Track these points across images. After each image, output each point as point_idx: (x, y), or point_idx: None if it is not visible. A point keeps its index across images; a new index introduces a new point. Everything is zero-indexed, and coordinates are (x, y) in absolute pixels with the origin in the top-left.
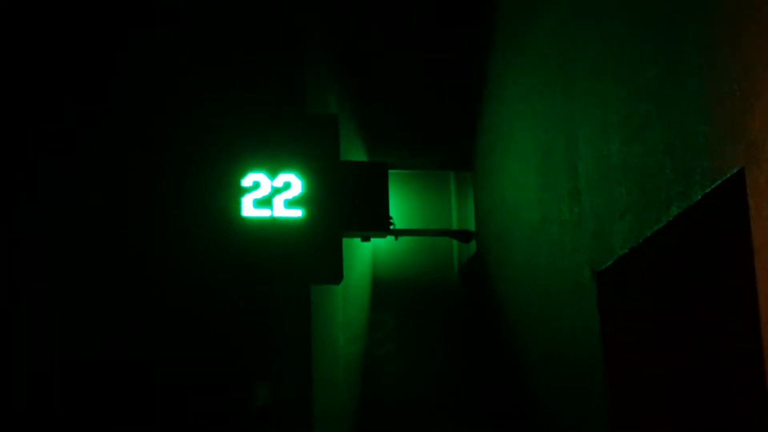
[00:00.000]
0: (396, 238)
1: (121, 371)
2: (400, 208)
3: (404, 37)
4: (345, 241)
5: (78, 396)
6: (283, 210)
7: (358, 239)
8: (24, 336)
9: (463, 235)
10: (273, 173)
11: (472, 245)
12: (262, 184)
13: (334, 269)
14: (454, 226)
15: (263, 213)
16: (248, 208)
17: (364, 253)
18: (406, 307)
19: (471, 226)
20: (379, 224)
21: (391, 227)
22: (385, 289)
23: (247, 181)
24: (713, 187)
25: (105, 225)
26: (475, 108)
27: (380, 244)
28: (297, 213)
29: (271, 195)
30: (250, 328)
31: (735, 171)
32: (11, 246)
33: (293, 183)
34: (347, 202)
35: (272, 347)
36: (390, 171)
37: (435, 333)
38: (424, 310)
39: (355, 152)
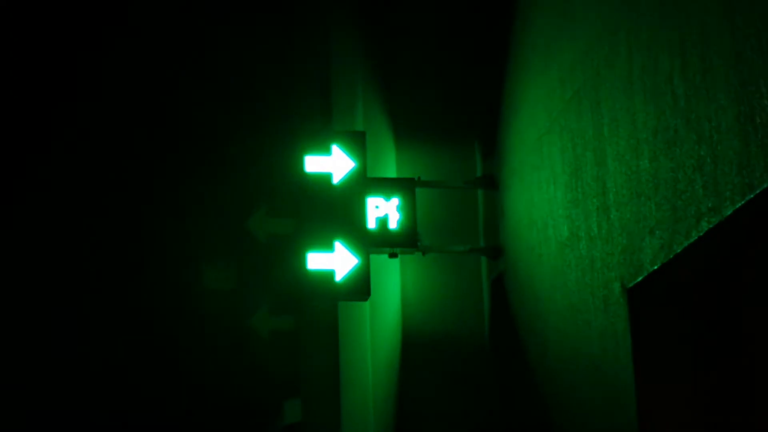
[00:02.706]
0: (424, 255)
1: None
2: (428, 224)
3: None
4: (372, 258)
5: (108, 398)
6: None
7: (386, 256)
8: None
9: (491, 252)
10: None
11: (501, 262)
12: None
13: (361, 285)
14: (482, 243)
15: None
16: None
17: (391, 272)
18: (434, 327)
19: (499, 242)
20: (407, 240)
21: (419, 244)
22: (414, 307)
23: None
24: (744, 202)
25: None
26: (501, 120)
27: (408, 261)
28: None
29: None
30: (278, 347)
31: (766, 186)
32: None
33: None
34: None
35: (302, 366)
36: (417, 187)
37: (464, 351)
38: (453, 327)
39: (382, 136)
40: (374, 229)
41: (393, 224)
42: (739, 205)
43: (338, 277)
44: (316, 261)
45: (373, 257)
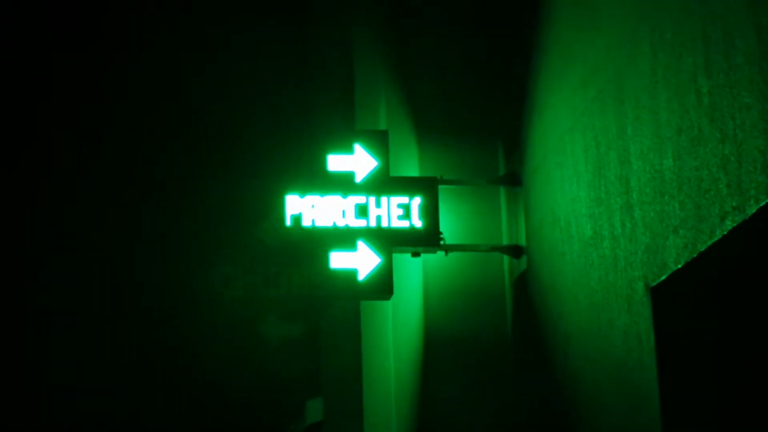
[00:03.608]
0: (446, 254)
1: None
2: (450, 223)
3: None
4: (395, 257)
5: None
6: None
7: (408, 255)
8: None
9: (513, 251)
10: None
11: (523, 261)
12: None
13: (384, 284)
14: (505, 242)
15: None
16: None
17: (414, 271)
18: (456, 326)
19: (522, 241)
20: (430, 239)
21: (441, 243)
22: (436, 306)
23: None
24: None
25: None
26: (524, 118)
27: (430, 260)
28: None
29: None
30: (302, 344)
31: None
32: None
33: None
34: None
35: (323, 365)
36: (440, 186)
37: (486, 350)
38: (475, 326)
39: (404, 135)
40: (396, 228)
41: (416, 223)
42: (764, 203)
43: (361, 276)
44: (338, 260)
45: (396, 256)
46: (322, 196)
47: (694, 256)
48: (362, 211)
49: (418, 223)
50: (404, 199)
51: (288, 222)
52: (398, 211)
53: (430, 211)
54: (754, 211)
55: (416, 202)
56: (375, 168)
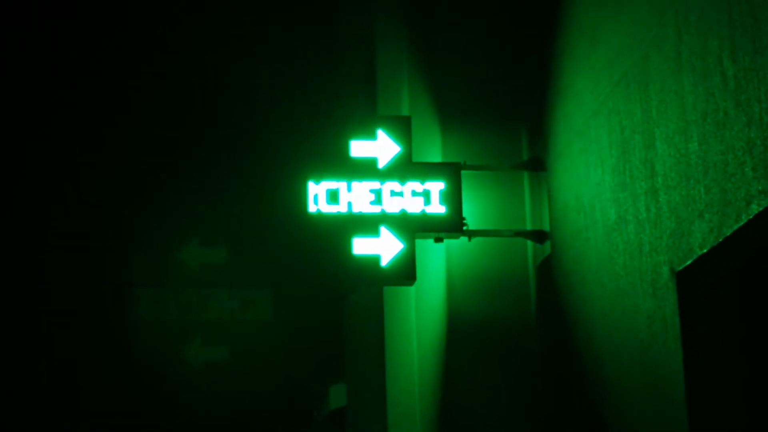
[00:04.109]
0: (469, 239)
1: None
2: (474, 208)
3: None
4: (418, 243)
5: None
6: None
7: (431, 240)
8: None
9: (537, 236)
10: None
11: (547, 246)
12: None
13: (407, 270)
14: (528, 227)
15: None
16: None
17: (437, 257)
18: (480, 311)
19: (545, 226)
20: (453, 225)
21: (465, 228)
22: (459, 292)
23: (320, 187)
24: None
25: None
26: (547, 103)
27: (453, 245)
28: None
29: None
30: (325, 330)
31: None
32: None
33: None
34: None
35: (347, 350)
36: (463, 171)
37: (510, 335)
38: (499, 312)
39: (427, 120)
40: (419, 214)
41: (439, 208)
42: None
43: (384, 262)
44: (361, 246)
45: (419, 242)
46: (344, 182)
47: (720, 240)
48: (385, 197)
49: (441, 208)
50: (427, 185)
51: (311, 209)
52: (421, 197)
53: (454, 197)
54: None
55: (439, 187)
56: (398, 154)
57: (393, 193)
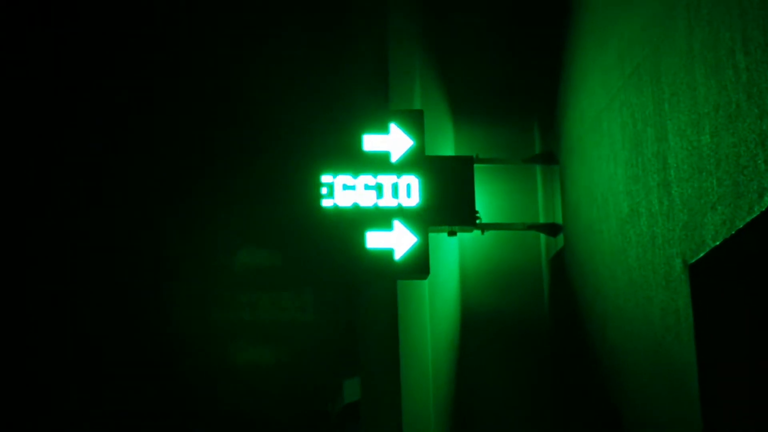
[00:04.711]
0: (482, 233)
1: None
2: (487, 202)
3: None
4: (431, 237)
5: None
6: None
7: (445, 234)
8: None
9: (550, 229)
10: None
11: (560, 239)
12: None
13: (421, 264)
14: (541, 220)
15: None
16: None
17: (450, 250)
18: (493, 305)
19: (558, 219)
20: (466, 218)
21: (478, 221)
22: (473, 285)
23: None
24: None
25: None
26: (559, 96)
27: (466, 239)
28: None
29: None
30: (339, 325)
31: None
32: None
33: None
34: (433, 197)
35: (361, 344)
36: (476, 165)
37: (523, 328)
38: (512, 305)
39: (440, 114)
40: (432, 207)
41: (452, 202)
42: None
43: (397, 255)
44: (375, 240)
45: (432, 235)
46: (357, 176)
47: (733, 232)
48: (398, 190)
49: (453, 201)
50: (440, 178)
51: (324, 203)
52: (434, 191)
53: (467, 190)
54: None
55: (452, 181)
56: (410, 147)
57: (406, 187)
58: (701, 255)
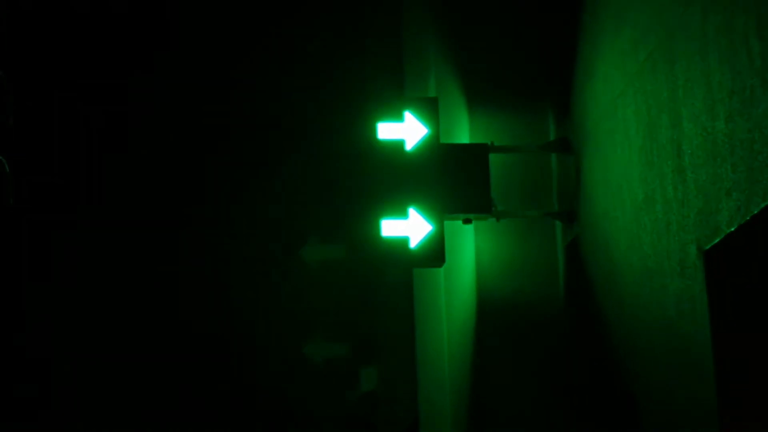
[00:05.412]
0: (498, 220)
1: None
2: (502, 189)
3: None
4: (447, 225)
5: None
6: None
7: (460, 222)
8: None
9: (565, 216)
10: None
11: (575, 226)
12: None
13: (436, 252)
14: (557, 207)
15: None
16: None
17: (465, 238)
18: (509, 292)
19: (574, 206)
20: (482, 206)
21: (493, 209)
22: (488, 272)
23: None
24: None
25: None
26: (574, 83)
27: (482, 226)
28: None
29: None
30: (355, 313)
31: None
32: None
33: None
34: (449, 185)
35: (378, 332)
36: (491, 153)
37: (539, 316)
38: (528, 292)
39: (455, 102)
40: (447, 195)
41: (467, 189)
42: None
43: (413, 243)
44: (390, 228)
45: (447, 223)
46: (373, 163)
47: (747, 218)
48: (413, 178)
49: (469, 189)
50: (455, 166)
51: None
52: (449, 178)
53: (482, 178)
54: None
55: (467, 168)
56: (425, 135)
57: (421, 175)
58: (716, 241)
